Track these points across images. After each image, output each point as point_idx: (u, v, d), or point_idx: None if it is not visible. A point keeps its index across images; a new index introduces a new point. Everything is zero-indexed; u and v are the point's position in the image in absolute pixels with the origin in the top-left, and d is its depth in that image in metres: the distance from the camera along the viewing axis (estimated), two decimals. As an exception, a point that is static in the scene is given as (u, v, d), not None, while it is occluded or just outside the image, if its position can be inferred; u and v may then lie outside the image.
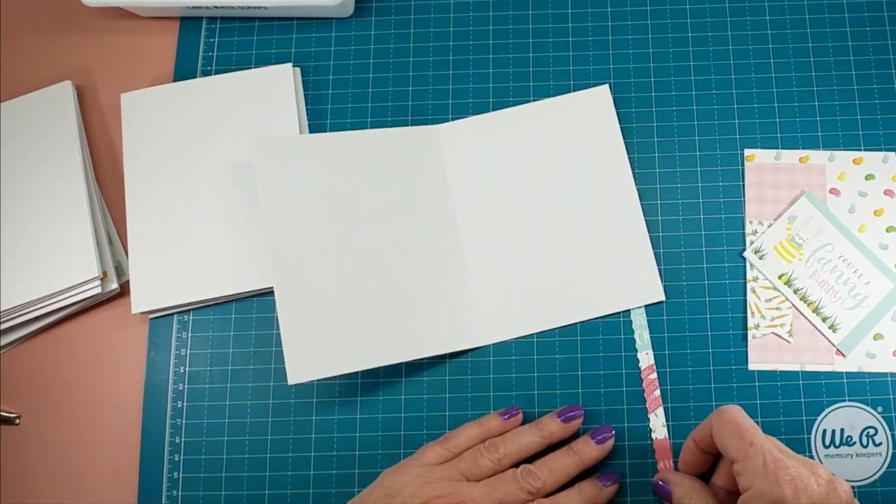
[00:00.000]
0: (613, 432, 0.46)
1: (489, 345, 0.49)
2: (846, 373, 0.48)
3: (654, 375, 0.48)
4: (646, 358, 0.48)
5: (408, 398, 0.49)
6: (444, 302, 0.49)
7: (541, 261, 0.50)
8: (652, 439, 0.47)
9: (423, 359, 0.49)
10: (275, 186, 0.48)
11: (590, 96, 0.52)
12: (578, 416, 0.46)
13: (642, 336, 0.49)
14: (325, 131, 0.54)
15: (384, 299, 0.48)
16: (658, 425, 0.47)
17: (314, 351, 0.46)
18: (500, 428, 0.46)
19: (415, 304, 0.48)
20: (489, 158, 0.52)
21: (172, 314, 0.51)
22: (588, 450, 0.45)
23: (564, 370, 0.49)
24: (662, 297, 0.49)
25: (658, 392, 0.48)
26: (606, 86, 0.53)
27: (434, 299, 0.49)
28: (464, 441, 0.45)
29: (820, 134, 0.52)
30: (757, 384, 0.48)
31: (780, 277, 0.49)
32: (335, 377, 0.49)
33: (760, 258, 0.49)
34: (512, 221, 0.51)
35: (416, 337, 0.48)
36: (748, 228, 0.50)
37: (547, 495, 0.43)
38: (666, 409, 0.48)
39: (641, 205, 0.50)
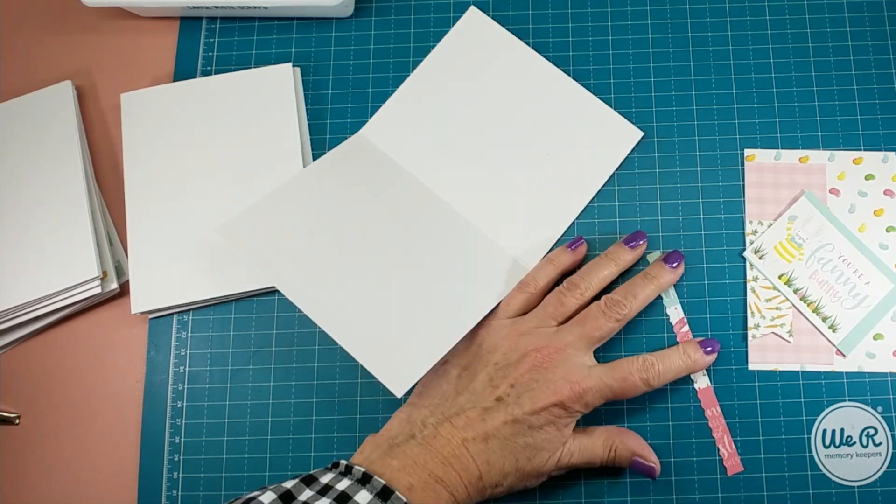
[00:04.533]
0: (683, 257, 0.48)
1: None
2: (846, 373, 0.48)
3: (687, 328, 0.48)
4: (675, 313, 0.49)
5: (407, 398, 0.49)
6: (459, 277, 0.49)
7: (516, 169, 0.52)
8: (695, 389, 0.48)
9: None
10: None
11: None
12: (644, 240, 0.48)
13: (669, 292, 0.49)
14: (326, 131, 0.54)
15: (407, 289, 0.48)
16: (699, 375, 0.48)
17: (400, 357, 0.45)
18: (571, 261, 0.48)
19: (434, 286, 0.48)
20: (416, 135, 0.53)
21: (172, 314, 0.51)
22: (664, 274, 0.47)
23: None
24: (640, 134, 0.51)
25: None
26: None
27: (450, 274, 0.49)
28: (541, 281, 0.47)
29: (820, 134, 0.52)
30: (757, 384, 0.48)
31: (780, 277, 0.49)
32: (335, 377, 0.49)
33: (760, 258, 0.49)
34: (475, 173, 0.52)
35: (452, 316, 0.47)
36: (748, 228, 0.50)
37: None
38: (667, 409, 0.48)
39: (639, 205, 0.51)
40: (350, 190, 0.50)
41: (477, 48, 0.54)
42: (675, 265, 0.47)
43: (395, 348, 0.45)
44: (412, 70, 0.54)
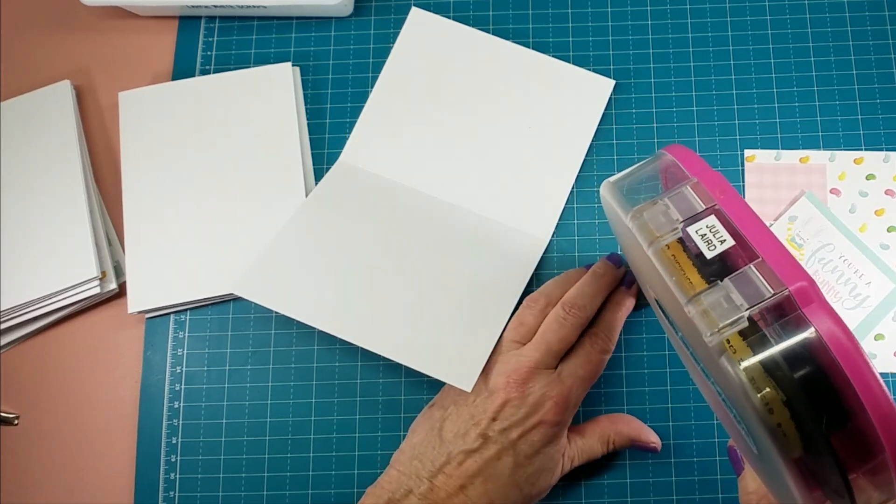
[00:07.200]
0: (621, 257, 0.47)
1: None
2: (847, 373, 0.48)
3: None
4: None
5: (407, 398, 0.49)
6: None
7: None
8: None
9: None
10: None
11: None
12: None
13: None
14: (325, 131, 0.53)
15: (439, 293, 0.48)
16: None
17: (458, 355, 0.44)
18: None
19: (463, 282, 0.48)
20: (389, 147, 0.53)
21: (169, 314, 0.51)
22: (611, 271, 0.46)
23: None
24: (611, 83, 0.52)
25: None
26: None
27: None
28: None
29: (820, 134, 0.51)
30: (757, 385, 0.48)
31: (780, 278, 0.49)
32: (334, 377, 0.49)
33: (761, 258, 0.49)
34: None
35: (491, 303, 0.48)
36: (748, 228, 0.50)
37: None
38: (667, 409, 0.48)
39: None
40: (351, 216, 0.50)
41: (430, 46, 0.54)
42: (619, 265, 0.47)
43: (449, 349, 0.45)
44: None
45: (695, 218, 0.32)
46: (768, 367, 0.28)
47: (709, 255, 0.31)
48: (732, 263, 0.31)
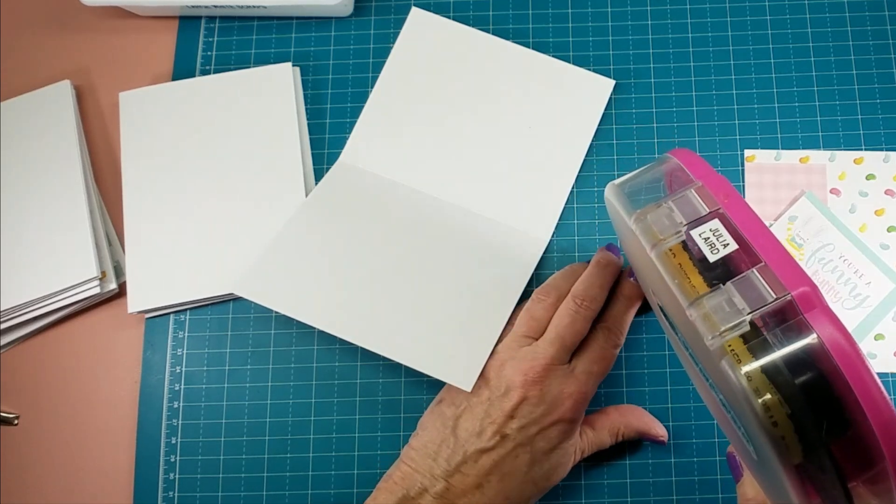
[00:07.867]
0: (616, 247, 0.48)
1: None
2: (847, 373, 0.48)
3: None
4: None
5: (407, 398, 0.49)
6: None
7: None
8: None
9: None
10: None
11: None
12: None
13: None
14: (325, 131, 0.53)
15: (439, 292, 0.48)
16: None
17: (458, 355, 0.44)
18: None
19: (464, 282, 0.48)
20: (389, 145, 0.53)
21: (169, 314, 0.51)
22: (613, 259, 0.46)
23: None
24: (611, 83, 0.52)
25: None
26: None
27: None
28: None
29: (820, 134, 0.51)
30: (757, 385, 0.48)
31: (780, 278, 0.49)
32: (334, 377, 0.49)
33: (761, 258, 0.49)
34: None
35: (491, 302, 0.47)
36: (748, 228, 0.50)
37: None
38: (667, 409, 0.48)
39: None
40: (351, 216, 0.50)
41: (430, 45, 0.54)
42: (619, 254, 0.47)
43: (449, 349, 0.45)
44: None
45: (698, 221, 0.32)
46: (770, 373, 0.28)
47: (712, 258, 0.31)
48: (735, 267, 0.31)
